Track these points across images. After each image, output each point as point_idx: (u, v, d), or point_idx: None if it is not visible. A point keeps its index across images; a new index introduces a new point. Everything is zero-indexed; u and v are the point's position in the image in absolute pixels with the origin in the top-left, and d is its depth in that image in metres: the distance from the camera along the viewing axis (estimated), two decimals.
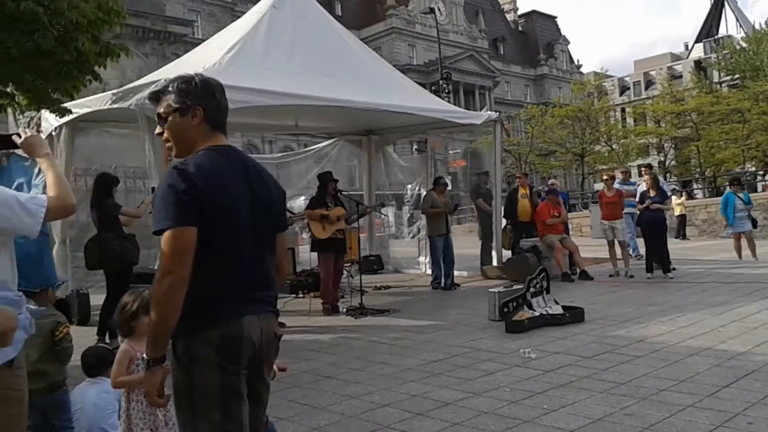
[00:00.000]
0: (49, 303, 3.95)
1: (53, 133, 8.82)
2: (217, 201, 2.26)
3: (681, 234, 20.87)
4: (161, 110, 2.39)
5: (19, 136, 2.36)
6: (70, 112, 7.40)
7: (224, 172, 2.34)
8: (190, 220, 2.20)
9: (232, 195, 2.31)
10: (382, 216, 13.83)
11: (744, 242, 13.30)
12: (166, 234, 2.19)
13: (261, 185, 2.44)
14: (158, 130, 2.42)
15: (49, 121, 8.62)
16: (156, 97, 2.41)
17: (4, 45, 5.23)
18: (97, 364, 3.90)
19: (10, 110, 8.72)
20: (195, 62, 8.86)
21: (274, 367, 2.83)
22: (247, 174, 2.41)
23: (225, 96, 2.48)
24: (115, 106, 7.58)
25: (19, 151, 2.52)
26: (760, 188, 31.41)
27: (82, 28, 5.54)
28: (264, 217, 2.41)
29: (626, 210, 11.99)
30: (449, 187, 34.46)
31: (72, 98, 7.13)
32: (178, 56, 13.67)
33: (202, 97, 2.40)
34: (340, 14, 60.33)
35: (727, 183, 17.61)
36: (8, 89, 6.42)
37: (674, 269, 10.97)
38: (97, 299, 7.64)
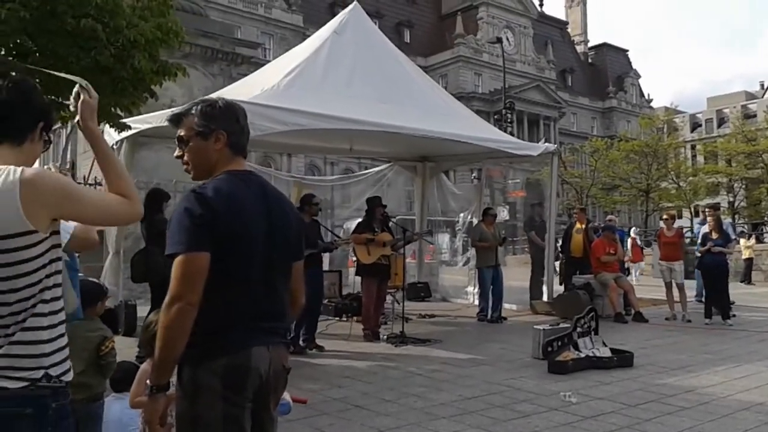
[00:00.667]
0: (96, 316, 4.01)
1: (114, 147, 9.09)
2: (233, 226, 2.22)
3: (746, 278, 19.97)
4: (183, 133, 2.37)
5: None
6: (129, 127, 7.60)
7: (243, 197, 2.30)
8: (203, 245, 2.16)
9: (249, 221, 2.28)
10: (432, 243, 13.69)
11: None
12: (178, 259, 2.16)
13: (280, 212, 2.40)
14: (177, 152, 2.40)
15: (111, 135, 8.89)
16: (177, 119, 2.39)
17: (64, 60, 5.43)
18: (123, 379, 3.91)
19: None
20: (255, 84, 9.04)
21: (287, 397, 2.77)
22: (267, 200, 2.37)
23: (247, 121, 2.45)
24: None
25: None
26: None
27: (139, 47, 5.71)
28: (281, 245, 2.37)
29: None
30: (507, 218, 33.98)
31: (131, 114, 7.33)
32: (244, 77, 13.99)
33: (226, 121, 2.37)
34: (408, 41, 61.13)
35: None
36: (69, 102, 6.64)
37: (734, 316, 10.49)
38: (144, 311, 7.76)
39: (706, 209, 13.90)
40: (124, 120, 7.41)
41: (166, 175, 11.60)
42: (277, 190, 2.50)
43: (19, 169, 1.80)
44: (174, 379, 2.28)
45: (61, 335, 1.91)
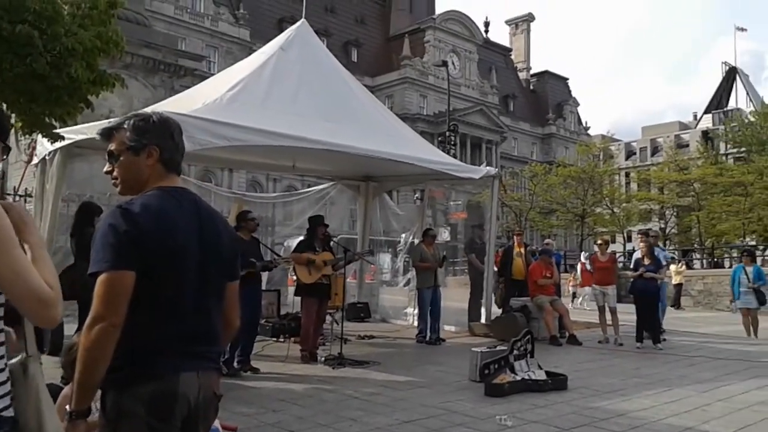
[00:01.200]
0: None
1: (47, 157, 8.78)
2: (162, 244, 2.13)
3: (676, 303, 20.62)
4: (113, 147, 2.28)
5: None
6: (62, 138, 7.34)
7: (174, 213, 2.21)
8: (128, 263, 2.07)
9: (179, 238, 2.18)
10: (373, 263, 13.67)
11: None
12: (101, 277, 2.06)
13: (212, 230, 2.32)
14: (107, 168, 2.31)
15: (45, 145, 8.58)
16: (108, 133, 2.30)
17: None
18: None
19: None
20: (197, 96, 8.88)
21: (216, 424, 2.68)
22: (199, 217, 2.29)
23: (182, 137, 2.38)
24: None
25: None
26: (759, 262, 31.13)
27: (77, 56, 5.52)
28: (213, 264, 2.29)
29: None
30: (448, 239, 34.14)
31: (66, 124, 7.09)
32: (186, 89, 13.74)
33: (159, 136, 2.29)
34: (355, 61, 61.44)
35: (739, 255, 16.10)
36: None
37: (665, 340, 10.77)
38: (72, 329, 7.45)
39: (639, 235, 14.31)
40: (57, 130, 7.15)
41: (100, 188, 11.23)
42: (211, 208, 2.42)
43: None
44: (97, 403, 2.18)
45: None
